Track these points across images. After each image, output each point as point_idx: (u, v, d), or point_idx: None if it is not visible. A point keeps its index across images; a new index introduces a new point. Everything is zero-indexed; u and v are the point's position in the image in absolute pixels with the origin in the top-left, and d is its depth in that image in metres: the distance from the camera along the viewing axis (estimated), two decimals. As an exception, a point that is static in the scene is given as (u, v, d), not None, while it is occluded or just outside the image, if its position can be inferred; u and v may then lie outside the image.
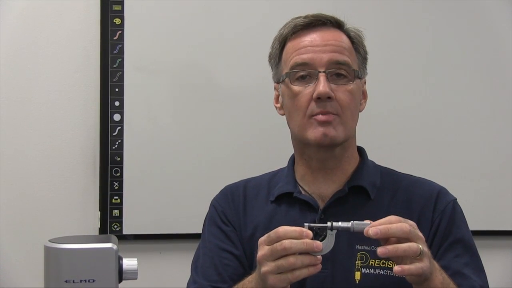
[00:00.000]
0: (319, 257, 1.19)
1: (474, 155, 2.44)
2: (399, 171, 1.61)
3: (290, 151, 1.61)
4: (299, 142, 1.51)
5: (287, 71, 1.47)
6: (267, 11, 2.30)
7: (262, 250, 1.23)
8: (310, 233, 1.19)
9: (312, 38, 1.47)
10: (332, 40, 1.46)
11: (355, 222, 1.22)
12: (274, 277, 1.20)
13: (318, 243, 1.18)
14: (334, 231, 1.22)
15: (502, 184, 2.44)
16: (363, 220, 1.44)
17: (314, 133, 1.44)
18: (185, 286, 1.58)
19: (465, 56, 2.45)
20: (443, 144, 2.42)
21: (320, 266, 1.19)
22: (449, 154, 2.42)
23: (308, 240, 1.18)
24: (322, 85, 1.41)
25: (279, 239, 1.20)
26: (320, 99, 1.42)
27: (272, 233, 1.22)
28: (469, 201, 2.37)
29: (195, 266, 1.56)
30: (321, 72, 1.43)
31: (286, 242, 1.18)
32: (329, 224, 1.22)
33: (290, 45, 1.50)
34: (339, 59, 1.44)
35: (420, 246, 1.17)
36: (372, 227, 1.17)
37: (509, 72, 2.45)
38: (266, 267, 1.21)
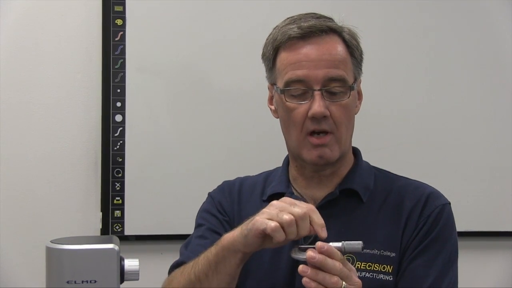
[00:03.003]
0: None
1: (474, 156, 2.44)
2: (399, 172, 1.59)
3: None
4: (295, 154, 1.51)
5: (282, 87, 1.45)
6: (268, 13, 2.29)
7: (270, 208, 1.25)
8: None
9: (307, 50, 1.44)
10: (327, 54, 1.44)
11: (346, 242, 1.23)
12: (260, 218, 1.23)
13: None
14: None
15: (502, 185, 2.44)
16: (352, 222, 1.45)
17: (309, 155, 1.44)
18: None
19: (465, 57, 2.45)
20: (443, 145, 2.42)
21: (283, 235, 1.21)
22: (449, 154, 2.42)
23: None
24: (317, 105, 1.41)
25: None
26: (315, 117, 1.42)
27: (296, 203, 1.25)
28: (469, 202, 2.39)
29: (185, 246, 1.57)
30: (316, 91, 1.42)
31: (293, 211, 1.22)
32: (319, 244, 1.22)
33: (284, 56, 1.47)
34: (333, 75, 1.42)
35: (343, 285, 1.18)
36: (312, 253, 1.19)
37: (509, 72, 2.45)
38: (263, 215, 1.23)
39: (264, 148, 2.28)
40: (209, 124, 2.30)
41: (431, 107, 2.42)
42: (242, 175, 1.67)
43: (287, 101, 1.45)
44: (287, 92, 1.45)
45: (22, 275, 2.18)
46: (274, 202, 1.26)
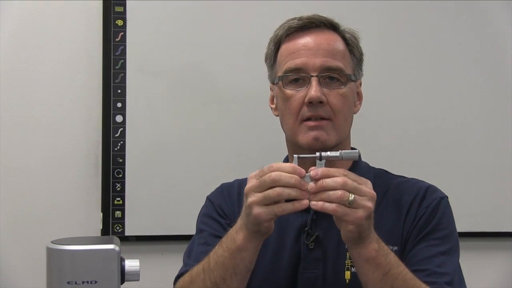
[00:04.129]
0: (307, 192, 1.20)
1: (474, 156, 2.44)
2: (400, 172, 1.60)
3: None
4: (292, 144, 1.51)
5: (280, 75, 1.48)
6: (268, 14, 2.30)
7: (251, 182, 1.25)
8: (303, 171, 1.21)
9: (306, 41, 1.47)
10: (325, 44, 1.46)
11: (343, 151, 1.25)
12: (259, 208, 1.21)
13: (305, 182, 1.20)
14: (323, 161, 1.24)
15: (502, 185, 2.44)
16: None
17: (305, 137, 1.44)
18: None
19: (465, 57, 2.45)
20: (443, 145, 2.43)
21: (306, 202, 1.20)
22: (449, 155, 2.42)
23: (296, 176, 1.20)
24: (313, 90, 1.41)
25: (270, 172, 1.22)
26: (312, 103, 1.42)
27: (266, 167, 1.23)
28: (470, 202, 2.39)
29: (188, 255, 1.55)
30: (313, 76, 1.43)
31: (275, 174, 1.20)
32: (317, 154, 1.24)
33: (284, 48, 1.50)
34: (331, 65, 1.44)
35: (352, 197, 1.18)
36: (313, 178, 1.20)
37: (509, 73, 2.46)
38: (252, 198, 1.23)
39: (265, 149, 2.28)
40: (209, 125, 2.30)
41: (432, 108, 2.42)
42: (243, 176, 1.65)
43: (285, 88, 1.46)
44: (285, 79, 1.46)
45: (22, 276, 2.18)
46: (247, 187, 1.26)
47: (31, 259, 2.16)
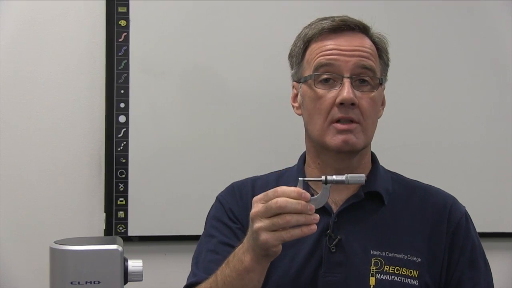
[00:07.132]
0: (316, 216, 1.20)
1: (475, 157, 2.44)
2: (402, 172, 1.60)
3: (296, 152, 1.60)
4: (316, 145, 1.49)
5: (311, 73, 1.45)
6: (273, 13, 2.30)
7: (256, 207, 1.23)
8: (308, 195, 1.20)
9: (338, 42, 1.45)
10: (359, 46, 1.45)
11: (349, 175, 1.23)
12: (267, 234, 1.20)
13: (312, 206, 1.19)
14: (329, 185, 1.23)
15: (502, 186, 2.44)
16: (377, 226, 1.45)
17: (334, 140, 1.42)
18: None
19: (468, 58, 2.45)
20: (444, 146, 2.42)
21: (315, 227, 1.20)
22: (450, 156, 2.42)
23: (303, 202, 1.19)
24: (346, 91, 1.40)
25: (275, 197, 1.20)
26: (344, 104, 1.41)
27: (270, 191, 1.22)
28: (470, 203, 2.36)
29: (196, 261, 1.53)
30: (346, 78, 1.42)
31: (281, 201, 1.19)
32: (323, 178, 1.23)
33: (315, 46, 1.47)
34: (365, 63, 1.43)
35: None
36: None
37: (510, 73, 2.45)
38: (259, 223, 1.21)
39: (271, 150, 2.28)
40: (213, 125, 2.30)
41: (433, 109, 2.42)
42: (245, 177, 1.65)
43: (316, 87, 1.44)
44: (317, 77, 1.45)
45: (26, 276, 2.19)
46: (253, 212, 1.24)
47: (34, 260, 2.16)
